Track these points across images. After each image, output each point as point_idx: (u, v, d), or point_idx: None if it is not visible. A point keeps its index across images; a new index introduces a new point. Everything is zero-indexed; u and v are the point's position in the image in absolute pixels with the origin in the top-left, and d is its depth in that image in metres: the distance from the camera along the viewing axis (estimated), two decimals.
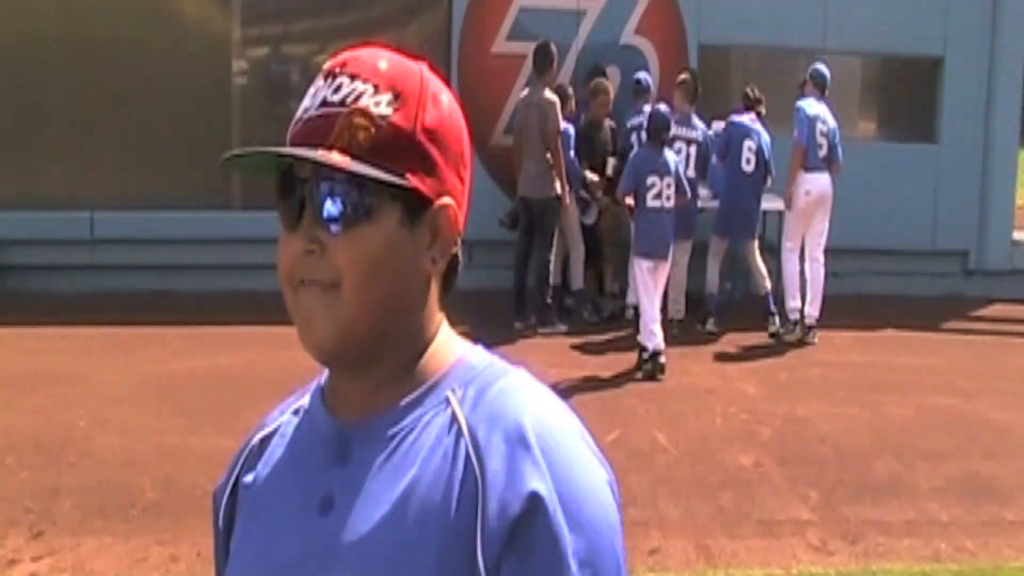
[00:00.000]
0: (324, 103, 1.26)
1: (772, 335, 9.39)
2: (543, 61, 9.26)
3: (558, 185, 9.09)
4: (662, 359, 8.08)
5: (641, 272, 8.25)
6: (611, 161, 9.59)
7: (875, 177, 10.96)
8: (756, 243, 9.69)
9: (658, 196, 8.23)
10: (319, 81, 1.28)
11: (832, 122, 9.43)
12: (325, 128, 1.24)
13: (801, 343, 9.33)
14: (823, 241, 9.46)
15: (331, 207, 1.23)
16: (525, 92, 9.46)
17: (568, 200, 9.26)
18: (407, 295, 1.29)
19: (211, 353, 8.25)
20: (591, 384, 7.84)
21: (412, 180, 1.26)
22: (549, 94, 9.11)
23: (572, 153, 9.40)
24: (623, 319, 9.40)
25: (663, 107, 8.90)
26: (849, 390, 8.07)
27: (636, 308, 8.56)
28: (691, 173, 9.41)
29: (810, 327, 9.40)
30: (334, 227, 1.23)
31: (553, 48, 9.29)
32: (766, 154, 9.51)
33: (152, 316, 9.21)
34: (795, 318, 9.40)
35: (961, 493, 6.22)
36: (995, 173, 11.52)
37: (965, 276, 11.61)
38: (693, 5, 10.74)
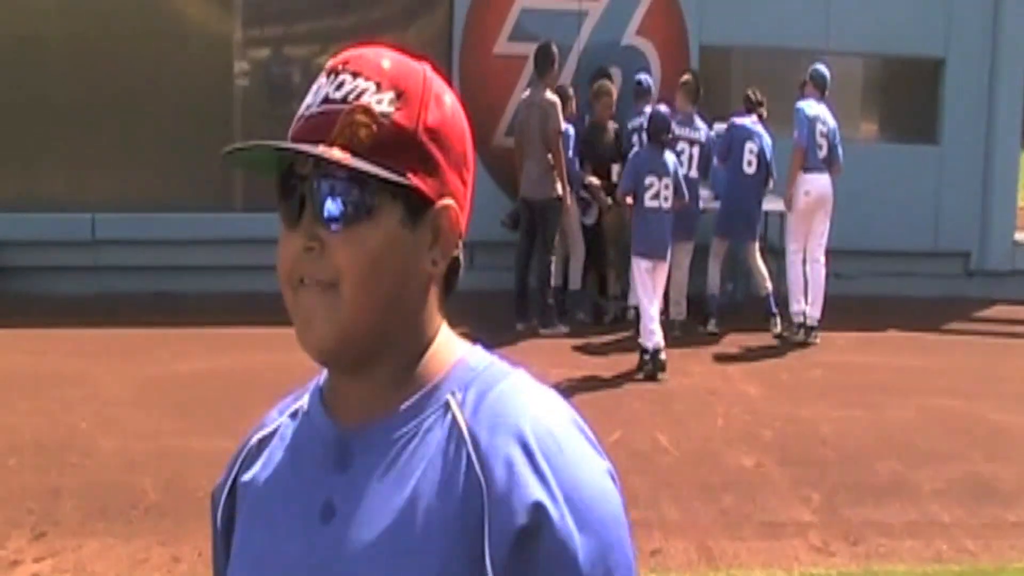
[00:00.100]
0: (326, 100, 1.25)
1: (776, 336, 9.39)
2: (544, 62, 9.26)
3: (559, 186, 9.08)
4: (662, 356, 8.09)
5: (639, 272, 8.27)
6: (615, 167, 9.56)
7: (877, 178, 10.95)
8: (757, 244, 9.69)
9: (656, 196, 8.25)
10: (321, 79, 1.28)
11: (832, 122, 9.43)
12: (326, 125, 1.23)
13: (803, 344, 9.33)
14: (824, 242, 9.46)
15: (331, 205, 1.22)
16: (526, 93, 9.46)
17: (569, 201, 9.25)
18: (407, 296, 1.28)
19: (213, 354, 8.25)
20: (593, 385, 7.84)
21: (413, 179, 1.25)
22: (550, 95, 9.11)
23: (571, 153, 9.38)
24: (625, 320, 9.39)
25: (663, 108, 8.89)
26: (851, 391, 8.07)
27: (637, 309, 8.56)
28: (694, 174, 9.42)
29: (811, 328, 9.40)
30: (334, 225, 1.22)
31: (554, 49, 9.29)
32: (767, 156, 9.51)
33: (154, 317, 9.22)
34: (799, 321, 9.40)
35: (963, 494, 6.22)
36: (997, 174, 11.50)
37: (967, 277, 11.60)
38: (694, 6, 10.73)
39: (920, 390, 8.17)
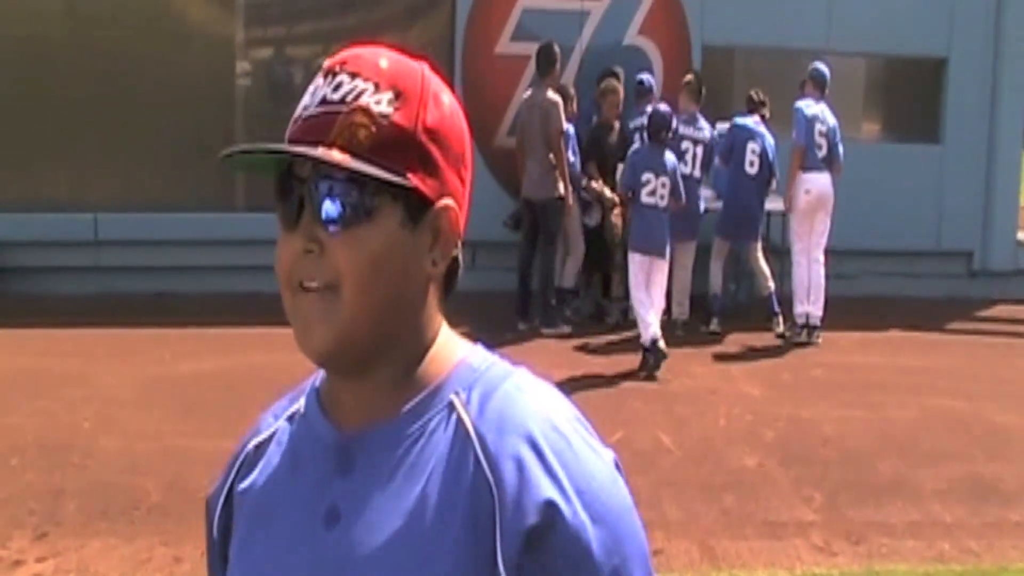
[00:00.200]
0: (324, 101, 1.24)
1: (778, 336, 9.39)
2: (546, 62, 9.26)
3: (561, 186, 9.09)
4: (661, 344, 8.09)
5: (634, 266, 8.29)
6: (621, 167, 9.56)
7: (879, 178, 10.95)
8: (759, 245, 9.69)
9: (652, 194, 8.27)
10: (318, 79, 1.26)
11: (832, 121, 9.44)
12: (325, 126, 1.22)
13: (806, 344, 9.33)
14: (823, 242, 9.46)
15: (330, 207, 1.21)
16: (528, 93, 9.47)
17: (571, 201, 9.25)
18: (407, 297, 1.27)
19: (215, 355, 8.26)
20: (595, 385, 7.84)
21: (413, 180, 1.24)
22: (552, 94, 9.11)
23: (570, 154, 9.37)
24: (627, 321, 9.39)
25: (663, 106, 8.90)
26: (853, 391, 8.06)
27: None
28: (697, 173, 9.43)
29: (814, 327, 9.39)
30: (334, 227, 1.21)
31: (556, 49, 9.29)
32: (770, 156, 9.51)
33: (156, 318, 9.23)
34: (802, 322, 9.40)
35: (965, 495, 6.21)
36: (999, 174, 11.50)
37: (969, 277, 11.60)
38: (697, 6, 10.73)
39: (922, 390, 8.17)
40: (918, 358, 9.18)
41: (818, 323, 9.40)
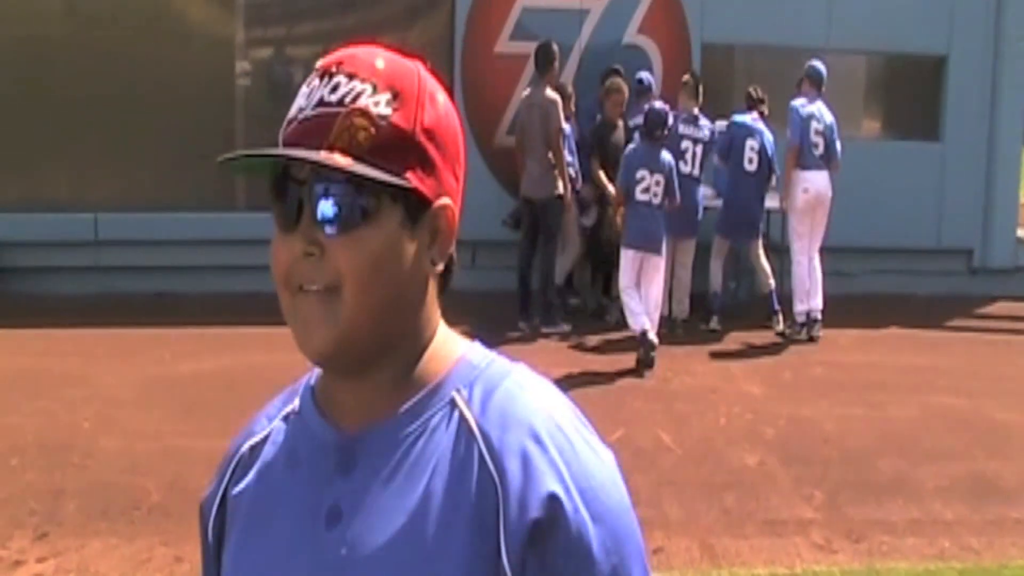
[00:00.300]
0: (321, 103, 1.23)
1: (778, 335, 9.39)
2: (544, 61, 9.26)
3: (561, 185, 9.09)
4: (651, 336, 8.14)
5: (625, 261, 8.30)
6: None
7: (879, 176, 10.95)
8: (760, 242, 9.69)
9: (646, 191, 8.29)
10: (314, 80, 1.26)
11: (829, 119, 9.44)
12: (323, 128, 1.22)
13: (809, 340, 9.35)
14: (819, 240, 9.48)
15: (331, 209, 1.21)
16: (527, 92, 9.46)
17: (570, 200, 9.25)
18: (407, 297, 1.27)
19: (215, 355, 8.26)
20: (595, 384, 7.84)
21: (412, 180, 1.24)
22: (551, 93, 9.11)
23: (567, 153, 9.34)
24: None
25: (658, 104, 8.89)
26: (853, 390, 8.06)
27: None
28: (697, 172, 9.42)
29: (815, 320, 9.41)
30: (334, 229, 1.21)
31: (554, 47, 9.28)
32: (769, 153, 9.52)
33: (156, 318, 9.23)
34: (802, 320, 9.41)
35: (965, 492, 6.21)
36: (999, 171, 11.50)
37: (970, 274, 11.59)
38: (697, 4, 10.73)
39: (922, 388, 8.17)
40: (918, 356, 9.18)
41: (819, 316, 9.42)
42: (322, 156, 1.20)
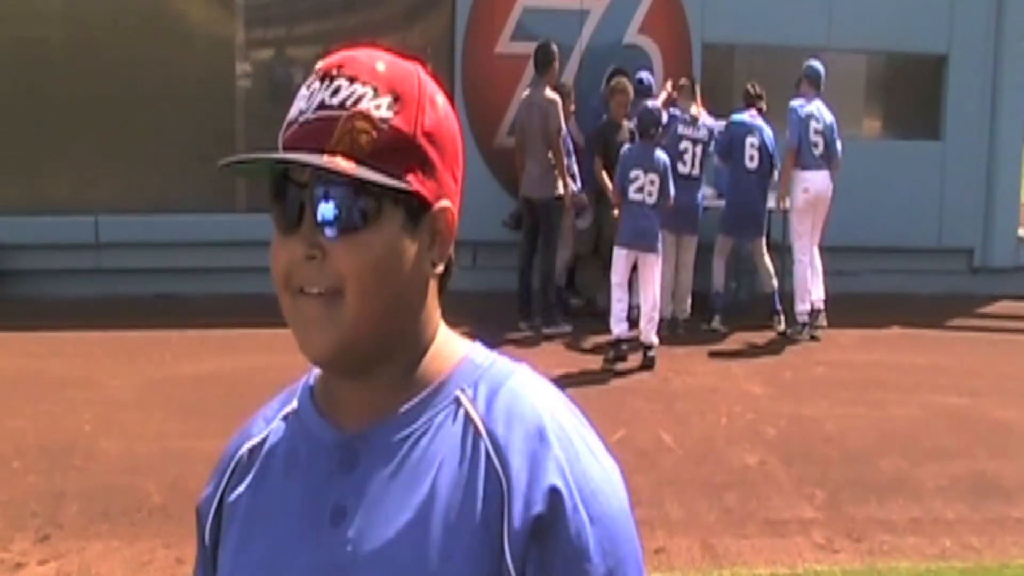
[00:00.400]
0: (322, 106, 1.23)
1: (780, 334, 9.39)
2: (544, 61, 9.25)
3: (560, 185, 9.09)
4: (624, 347, 8.23)
5: (617, 259, 8.31)
6: None
7: (880, 175, 10.95)
8: (763, 241, 9.68)
9: (640, 190, 8.29)
10: (314, 83, 1.26)
11: (829, 118, 9.45)
12: (325, 131, 1.22)
13: (812, 337, 9.37)
14: (818, 235, 9.50)
15: (333, 213, 1.21)
16: (526, 92, 9.46)
17: (570, 200, 9.25)
18: (408, 299, 1.28)
19: (216, 356, 8.26)
20: (596, 384, 7.84)
21: (414, 183, 1.25)
22: (550, 93, 9.11)
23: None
24: (630, 319, 9.39)
25: (651, 103, 8.88)
26: (854, 389, 8.06)
27: (639, 307, 8.57)
28: (696, 172, 9.41)
29: (819, 311, 9.43)
30: (334, 233, 1.21)
31: (554, 48, 9.27)
32: (769, 148, 9.52)
33: (157, 320, 9.22)
34: (804, 320, 9.41)
35: (967, 492, 6.21)
36: (1000, 170, 11.50)
37: (970, 274, 11.59)
38: (697, 4, 10.72)
39: (923, 387, 8.17)
40: (919, 355, 9.18)
41: (822, 306, 9.46)
42: (325, 160, 1.20)
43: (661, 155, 8.47)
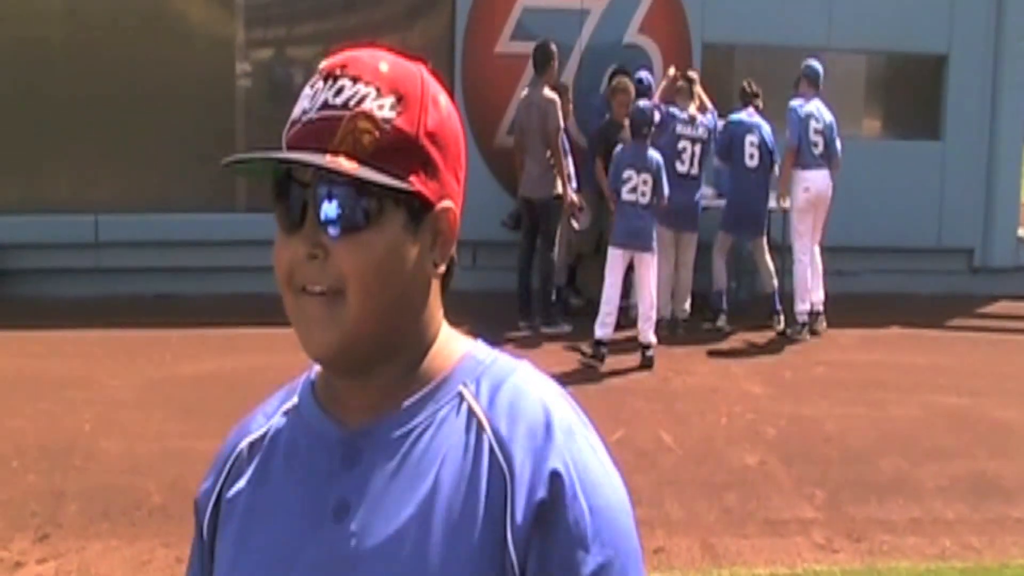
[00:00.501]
0: (325, 105, 1.24)
1: (779, 334, 9.39)
2: (542, 60, 9.25)
3: (560, 185, 9.09)
4: (604, 350, 8.23)
5: (611, 260, 8.32)
6: None
7: (880, 175, 10.95)
8: (764, 240, 9.68)
9: (633, 190, 8.30)
10: (318, 83, 1.26)
11: (828, 117, 9.46)
12: (328, 131, 1.23)
13: (813, 333, 9.39)
14: (819, 234, 9.51)
15: (335, 212, 1.22)
16: (525, 92, 9.46)
17: (568, 199, 9.25)
18: (410, 298, 1.28)
19: (216, 356, 8.26)
20: (596, 384, 7.85)
21: (416, 184, 1.25)
22: (549, 93, 9.11)
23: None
24: (628, 319, 9.39)
25: (643, 103, 8.87)
26: (854, 389, 8.06)
27: (636, 307, 8.58)
28: (695, 171, 9.40)
29: (818, 313, 9.44)
30: (336, 232, 1.22)
31: (552, 47, 9.27)
32: (769, 145, 9.53)
33: (157, 319, 9.22)
34: (804, 320, 9.41)
35: (966, 492, 6.21)
36: (1000, 170, 11.49)
37: (970, 274, 11.59)
38: (697, 4, 10.72)
39: (923, 387, 8.17)
40: (919, 355, 9.18)
41: (821, 308, 9.46)
42: (328, 161, 1.20)
43: (654, 154, 8.46)
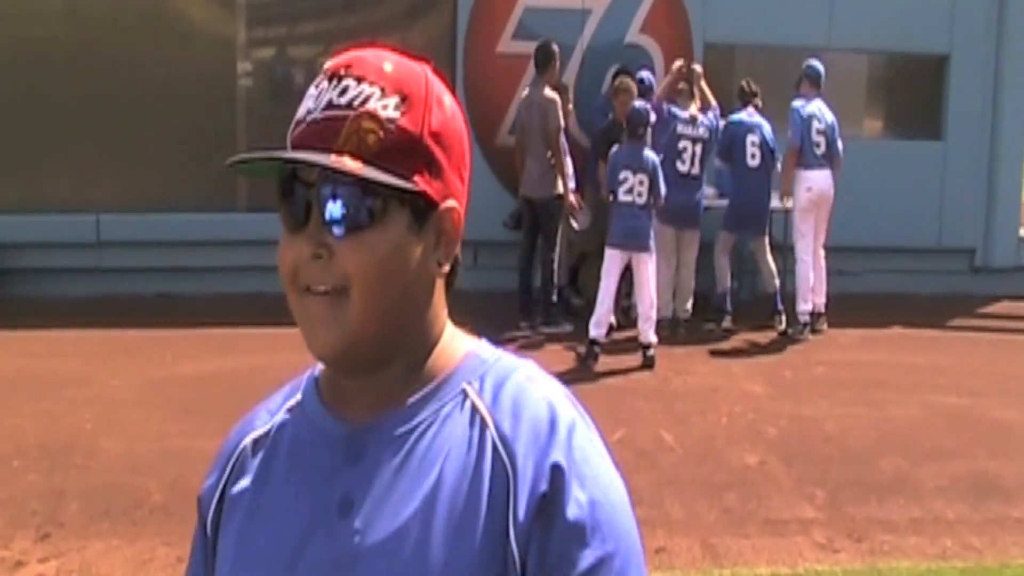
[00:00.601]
0: (330, 105, 1.24)
1: (780, 334, 9.39)
2: (544, 60, 9.26)
3: (560, 184, 9.09)
4: (597, 350, 8.25)
5: (607, 260, 8.32)
6: None
7: (881, 175, 10.95)
8: (767, 239, 9.67)
9: (630, 191, 8.29)
10: (322, 83, 1.27)
11: (830, 117, 9.47)
12: (332, 131, 1.23)
13: (814, 331, 9.40)
14: (823, 238, 9.50)
15: (339, 212, 1.22)
16: (526, 92, 9.46)
17: (570, 199, 9.25)
18: (414, 298, 1.29)
19: (217, 356, 8.26)
20: (596, 383, 7.85)
21: (420, 183, 1.26)
22: (549, 92, 9.11)
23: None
24: (628, 319, 9.39)
25: (638, 103, 8.87)
26: (855, 389, 8.06)
27: (635, 307, 8.58)
28: (696, 171, 9.40)
29: (819, 314, 9.43)
30: (341, 232, 1.22)
31: (554, 47, 9.28)
32: (770, 144, 9.53)
33: (158, 319, 9.23)
34: (805, 320, 9.41)
35: (967, 491, 6.21)
36: (1001, 170, 11.50)
37: (971, 274, 11.59)
38: (699, 4, 10.72)
39: (924, 387, 8.17)
40: (920, 355, 9.18)
41: (822, 310, 9.48)
42: (332, 160, 1.21)
43: (649, 154, 8.46)
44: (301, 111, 1.27)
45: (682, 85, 9.73)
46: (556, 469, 1.22)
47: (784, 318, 9.45)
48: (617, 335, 9.11)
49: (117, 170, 10.26)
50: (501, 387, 1.29)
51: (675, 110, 9.41)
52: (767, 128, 9.55)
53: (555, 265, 9.32)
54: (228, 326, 8.94)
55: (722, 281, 9.61)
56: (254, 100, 10.67)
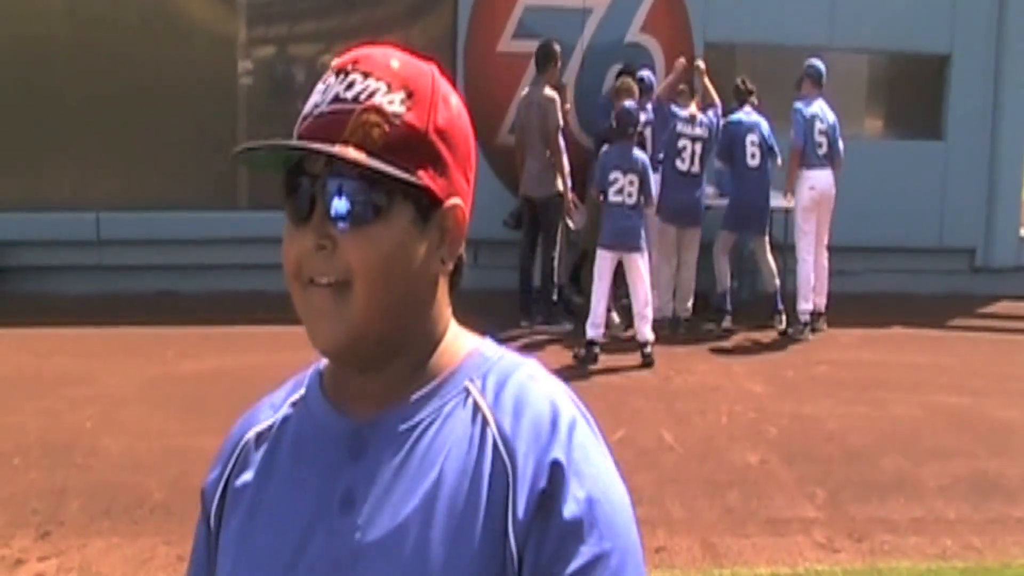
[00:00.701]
0: (337, 99, 1.25)
1: (781, 333, 9.39)
2: (544, 60, 9.26)
3: (560, 183, 9.09)
4: (596, 350, 8.25)
5: (599, 260, 8.32)
6: None
7: (882, 175, 10.95)
8: (767, 239, 9.67)
9: (619, 192, 8.28)
10: (330, 78, 1.28)
11: (831, 117, 9.47)
12: (338, 124, 1.24)
13: (814, 330, 9.40)
14: (825, 238, 9.50)
15: (343, 204, 1.23)
16: (525, 91, 9.46)
17: (570, 198, 9.25)
18: (417, 294, 1.29)
19: (218, 354, 8.26)
20: (597, 382, 7.85)
21: (424, 179, 1.26)
22: (548, 91, 9.12)
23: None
24: (628, 319, 9.40)
25: (628, 103, 8.86)
26: (856, 388, 8.06)
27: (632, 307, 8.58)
28: (696, 170, 9.40)
29: (820, 314, 9.44)
30: (346, 225, 1.23)
31: (555, 46, 9.28)
32: (769, 143, 9.53)
33: (158, 317, 9.23)
34: (805, 320, 9.41)
35: (968, 491, 6.21)
36: (1002, 170, 11.50)
37: (972, 273, 11.59)
38: (699, 3, 10.72)
39: (925, 387, 8.17)
40: (920, 355, 9.18)
41: (823, 310, 9.48)
42: (337, 149, 1.22)
43: (639, 155, 8.46)
44: (308, 106, 1.28)
45: (682, 86, 9.72)
46: (556, 466, 1.22)
47: (784, 318, 9.45)
48: (618, 334, 9.10)
49: (118, 168, 10.26)
50: (503, 385, 1.29)
51: (674, 109, 9.41)
52: (765, 126, 9.55)
53: (555, 264, 9.32)
54: (229, 324, 8.95)
55: (722, 281, 9.61)
56: (255, 99, 10.67)
